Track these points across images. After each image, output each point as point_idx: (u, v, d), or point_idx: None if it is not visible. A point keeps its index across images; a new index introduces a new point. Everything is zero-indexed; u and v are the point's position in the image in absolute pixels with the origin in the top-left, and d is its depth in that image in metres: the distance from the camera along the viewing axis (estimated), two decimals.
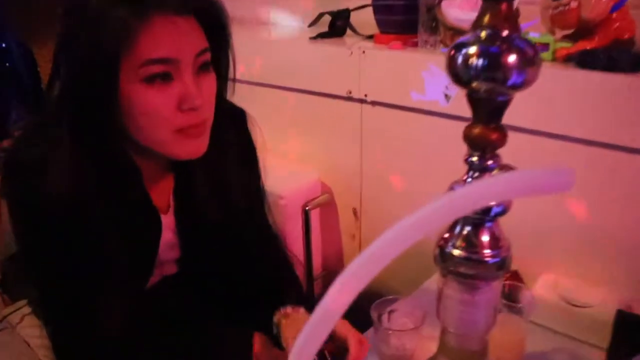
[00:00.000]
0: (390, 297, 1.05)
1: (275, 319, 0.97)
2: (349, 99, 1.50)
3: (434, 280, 1.32)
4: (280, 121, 1.70)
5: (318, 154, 1.66)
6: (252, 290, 1.06)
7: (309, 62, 1.58)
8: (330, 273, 1.71)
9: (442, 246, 0.66)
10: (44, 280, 0.90)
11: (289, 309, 0.97)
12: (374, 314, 1.00)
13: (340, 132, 1.58)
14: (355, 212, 1.61)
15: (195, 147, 0.88)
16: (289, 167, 1.65)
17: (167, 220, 1.01)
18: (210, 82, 0.87)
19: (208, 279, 1.10)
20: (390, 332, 0.98)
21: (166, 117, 0.82)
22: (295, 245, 1.57)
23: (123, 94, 0.80)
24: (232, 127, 1.03)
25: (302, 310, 0.98)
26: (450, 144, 1.36)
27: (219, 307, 1.09)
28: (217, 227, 1.03)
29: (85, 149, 0.84)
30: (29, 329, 1.05)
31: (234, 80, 0.96)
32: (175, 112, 0.82)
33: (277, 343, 0.97)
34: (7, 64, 1.77)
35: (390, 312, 1.04)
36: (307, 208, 1.58)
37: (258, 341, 0.98)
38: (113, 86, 0.79)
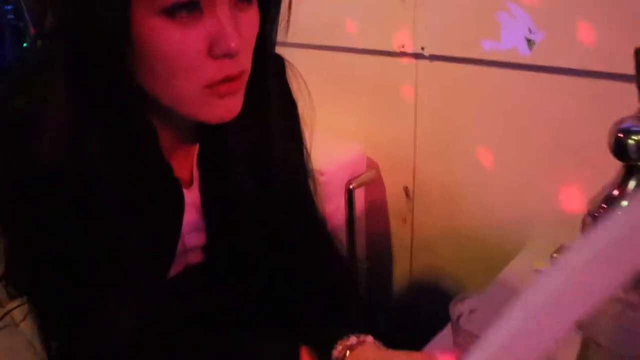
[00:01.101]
0: (471, 294, 0.81)
1: (336, 353, 0.74)
2: (401, 54, 1.27)
3: (509, 273, 1.07)
4: (317, 87, 1.45)
5: (363, 124, 1.43)
6: (297, 293, 0.85)
7: (350, 12, 1.34)
8: (376, 266, 1.48)
9: None
10: (38, 273, 0.72)
11: (353, 339, 0.75)
12: (454, 313, 0.76)
13: (390, 96, 1.35)
14: (407, 191, 1.38)
15: (228, 108, 0.67)
16: (329, 139, 1.41)
17: (191, 196, 0.80)
18: (251, 19, 0.66)
19: (241, 271, 0.88)
20: (474, 338, 0.74)
21: (192, 64, 0.62)
22: (336, 231, 1.34)
23: (136, 30, 0.60)
24: (273, 81, 0.81)
25: (369, 340, 0.75)
26: (533, 103, 1.15)
27: (255, 308, 0.89)
28: (253, 206, 0.82)
29: (86, 99, 0.65)
30: (34, 329, 0.85)
31: (289, 16, 0.73)
32: (205, 58, 0.62)
33: None
34: None
35: (472, 311, 0.80)
36: (350, 186, 1.35)
37: (307, 357, 0.75)
38: (122, 19, 0.59)
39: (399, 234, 1.44)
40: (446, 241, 1.34)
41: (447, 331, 0.89)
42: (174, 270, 0.82)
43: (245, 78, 0.68)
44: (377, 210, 1.45)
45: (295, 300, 0.84)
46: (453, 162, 1.27)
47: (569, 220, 1.13)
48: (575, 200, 1.11)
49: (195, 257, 0.85)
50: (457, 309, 0.77)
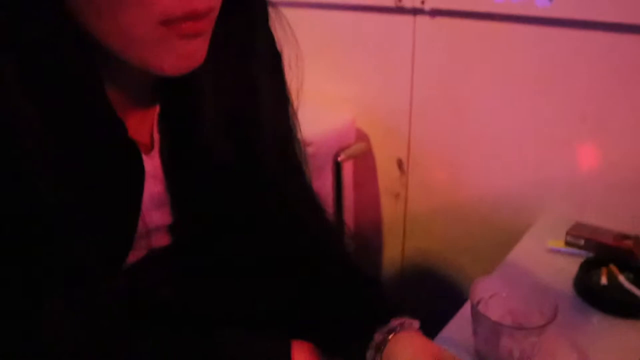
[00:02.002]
0: (491, 276, 0.69)
1: (377, 337, 0.60)
2: (398, 10, 1.13)
3: (519, 254, 0.96)
4: (303, 49, 1.31)
5: (353, 91, 1.30)
6: (286, 277, 0.71)
7: None
8: (364, 248, 1.35)
9: None
10: None
11: (393, 323, 0.60)
12: (473, 298, 0.64)
13: (383, 58, 1.22)
14: (400, 164, 1.25)
15: (188, 54, 0.53)
16: (315, 106, 1.27)
17: (151, 164, 0.66)
18: None
19: (217, 256, 0.74)
20: (502, 328, 0.62)
21: None
22: None
23: None
24: (258, 25, 0.67)
25: (410, 323, 0.61)
26: (550, 62, 1.00)
27: (236, 301, 0.74)
28: (230, 176, 0.68)
29: (17, 46, 0.50)
30: None
31: None
32: None
33: None
34: None
35: (492, 296, 0.68)
36: (339, 159, 1.22)
37: (300, 354, 0.62)
38: None
39: (390, 212, 1.31)
40: (444, 220, 1.21)
41: (456, 321, 0.77)
42: (133, 257, 0.67)
43: (213, 18, 0.53)
44: (367, 185, 1.32)
45: (280, 286, 0.71)
46: (453, 131, 1.15)
47: (583, 192, 1.02)
48: (591, 169, 0.99)
49: (160, 240, 0.69)
50: (478, 293, 0.65)
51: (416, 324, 0.60)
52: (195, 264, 0.74)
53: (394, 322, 0.59)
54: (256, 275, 0.73)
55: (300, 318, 0.68)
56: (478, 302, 0.65)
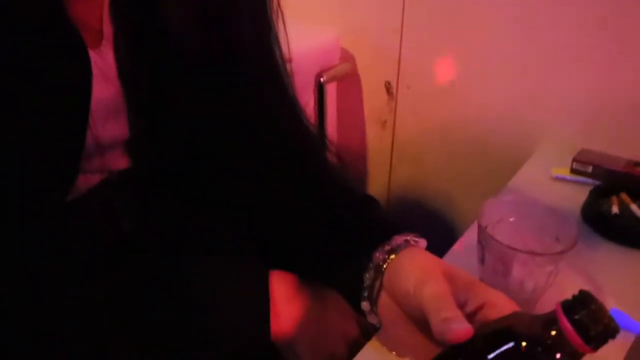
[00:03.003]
0: (498, 198, 0.60)
1: (377, 257, 0.49)
2: None
3: (519, 183, 0.87)
4: None
5: (337, 6, 1.16)
6: (265, 198, 0.61)
7: None
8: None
9: None
10: None
11: (396, 240, 0.50)
12: (482, 221, 0.55)
13: None
14: (388, 87, 1.14)
15: None
16: (294, 21, 1.14)
17: (101, 61, 0.54)
18: None
19: (187, 177, 0.63)
20: (517, 254, 0.53)
21: None
22: None
23: None
24: None
25: (414, 239, 0.51)
26: None
27: (206, 230, 0.65)
28: (196, 76, 0.56)
29: None
30: None
31: None
32: None
33: (355, 301, 0.51)
34: None
35: (499, 221, 0.59)
36: (321, 80, 1.11)
37: (279, 285, 0.52)
38: None
39: (376, 140, 1.21)
40: (435, 149, 1.12)
41: (453, 253, 0.69)
42: (85, 183, 0.56)
43: None
44: (352, 111, 1.21)
45: (256, 210, 0.61)
46: (448, 51, 1.03)
47: (591, 116, 0.93)
48: (602, 90, 0.90)
49: (117, 161, 0.58)
50: (488, 215, 0.56)
51: (423, 242, 0.50)
52: (161, 190, 0.63)
53: (397, 239, 0.49)
54: (231, 200, 0.63)
55: (283, 245, 0.58)
56: (485, 227, 0.57)
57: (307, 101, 1.12)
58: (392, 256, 0.47)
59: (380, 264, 0.47)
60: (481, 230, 0.54)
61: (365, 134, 1.22)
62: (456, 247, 0.69)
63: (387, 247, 0.48)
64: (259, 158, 0.59)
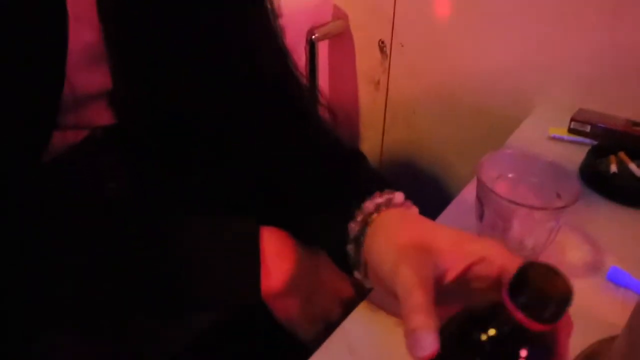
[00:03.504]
0: (498, 153, 0.58)
1: (360, 216, 0.46)
2: None
3: (515, 144, 0.85)
4: None
5: None
6: (256, 155, 0.58)
7: None
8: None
9: None
10: None
11: (383, 196, 0.47)
12: (481, 176, 0.53)
13: None
14: (382, 46, 1.11)
15: None
16: None
17: (77, 5, 0.47)
18: None
19: (173, 136, 0.59)
20: (519, 208, 0.51)
21: None
22: None
23: None
24: None
25: (400, 199, 0.48)
26: None
27: (196, 191, 0.62)
28: (185, 17, 0.52)
29: None
30: None
31: None
32: None
33: (343, 260, 0.49)
34: None
35: (498, 177, 0.57)
36: (313, 37, 1.07)
37: (270, 241, 0.50)
38: None
39: (369, 101, 1.18)
40: (429, 110, 1.09)
41: (448, 213, 0.67)
42: (64, 141, 0.53)
43: None
44: (344, 71, 1.18)
45: (267, 171, 0.58)
46: (444, 8, 1.00)
47: (589, 76, 0.90)
48: (602, 48, 0.87)
49: (100, 116, 0.55)
50: (488, 168, 0.54)
51: (399, 197, 0.47)
52: (147, 147, 0.60)
53: (377, 199, 0.46)
54: (219, 152, 0.60)
55: (271, 197, 0.56)
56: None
57: (297, 59, 1.08)
58: (373, 217, 0.45)
59: (358, 234, 0.45)
60: (480, 184, 0.52)
61: (358, 95, 1.19)
62: (452, 206, 0.67)
63: (363, 212, 0.46)
64: (248, 108, 0.56)
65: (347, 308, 0.53)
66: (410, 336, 0.34)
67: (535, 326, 0.30)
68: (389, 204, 0.46)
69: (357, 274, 0.47)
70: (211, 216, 0.54)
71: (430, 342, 0.33)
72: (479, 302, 0.34)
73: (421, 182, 1.15)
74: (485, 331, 0.31)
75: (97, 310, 0.50)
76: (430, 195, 1.11)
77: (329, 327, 0.51)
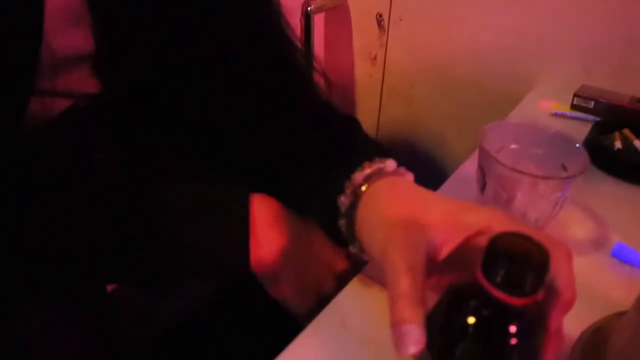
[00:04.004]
0: (500, 124, 0.55)
1: (349, 188, 0.43)
2: None
3: (517, 118, 0.82)
4: None
5: None
6: (245, 122, 0.54)
7: None
8: None
9: None
10: None
11: (373, 166, 0.44)
12: (484, 144, 0.50)
13: None
14: (380, 19, 1.07)
15: None
16: None
17: None
18: None
19: (161, 104, 0.56)
20: (524, 177, 0.48)
21: None
22: None
23: None
24: None
25: (392, 166, 0.45)
26: None
27: (185, 163, 0.61)
28: None
29: None
30: None
31: None
32: None
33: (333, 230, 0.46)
34: None
35: (500, 149, 0.55)
36: (308, 9, 1.03)
37: (260, 209, 0.47)
38: None
39: (365, 76, 1.15)
40: (428, 85, 1.06)
41: (447, 186, 0.64)
42: (47, 109, 0.49)
43: None
44: (340, 44, 1.14)
45: (258, 139, 0.55)
46: None
47: (590, 52, 0.87)
48: (600, 23, 0.84)
49: (81, 83, 0.51)
50: (490, 138, 0.52)
51: (407, 174, 0.44)
52: (133, 116, 0.57)
53: (367, 169, 0.43)
54: (208, 118, 0.57)
55: (260, 164, 0.53)
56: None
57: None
58: (363, 188, 0.42)
59: (350, 207, 0.42)
60: (483, 152, 0.50)
61: (354, 70, 1.16)
62: (451, 180, 0.65)
63: (353, 184, 0.43)
64: (236, 71, 0.53)
65: (341, 281, 0.50)
66: (395, 331, 0.31)
67: (516, 301, 0.28)
68: (379, 173, 0.43)
69: (352, 249, 0.45)
70: (199, 183, 0.51)
71: (416, 339, 0.30)
72: (462, 281, 0.31)
73: (418, 159, 1.12)
74: (470, 314, 0.29)
75: (83, 281, 0.47)
76: (428, 172, 1.08)
77: (321, 301, 0.48)
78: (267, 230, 0.46)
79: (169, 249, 0.46)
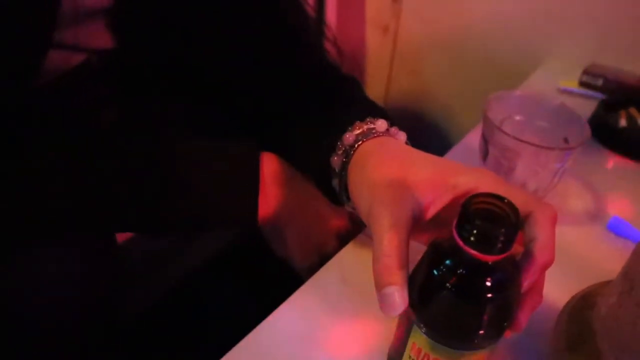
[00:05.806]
0: (506, 94, 0.56)
1: (341, 148, 0.44)
2: None
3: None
4: None
5: None
6: (255, 79, 0.55)
7: None
8: None
9: None
10: None
11: (364, 126, 0.44)
12: (489, 112, 0.51)
13: None
14: None
15: None
16: None
17: None
18: None
19: (175, 63, 0.57)
20: (526, 146, 0.49)
21: None
22: None
23: None
24: None
25: (383, 126, 0.45)
26: None
27: (196, 119, 0.62)
28: None
29: None
30: None
31: None
32: None
33: (327, 187, 0.47)
34: None
35: (504, 120, 0.56)
36: None
37: (268, 165, 0.49)
38: None
39: (376, 46, 1.15)
40: (438, 57, 1.06)
41: (454, 152, 0.66)
42: (60, 62, 0.50)
43: None
44: (352, 13, 1.14)
45: (265, 97, 0.56)
46: None
47: (602, 29, 0.87)
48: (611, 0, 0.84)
49: (98, 36, 0.52)
50: (495, 108, 0.53)
51: (400, 134, 0.44)
52: (146, 74, 0.58)
53: (357, 129, 0.43)
54: (219, 76, 0.58)
55: (266, 121, 0.54)
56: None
57: None
58: (355, 148, 0.42)
59: (340, 170, 0.43)
60: (486, 121, 0.51)
61: (365, 40, 1.16)
62: (455, 149, 0.66)
63: (344, 145, 0.43)
64: (245, 28, 0.54)
65: (343, 241, 0.52)
66: (379, 294, 0.32)
67: (487, 258, 0.29)
68: (369, 133, 0.43)
69: (347, 207, 0.46)
70: (209, 139, 0.52)
71: (399, 302, 0.32)
72: (442, 238, 0.33)
73: (425, 131, 1.13)
74: (446, 269, 0.30)
75: (89, 227, 0.48)
76: (434, 142, 1.09)
77: (324, 260, 0.50)
78: (274, 187, 0.48)
79: (180, 198, 0.47)
